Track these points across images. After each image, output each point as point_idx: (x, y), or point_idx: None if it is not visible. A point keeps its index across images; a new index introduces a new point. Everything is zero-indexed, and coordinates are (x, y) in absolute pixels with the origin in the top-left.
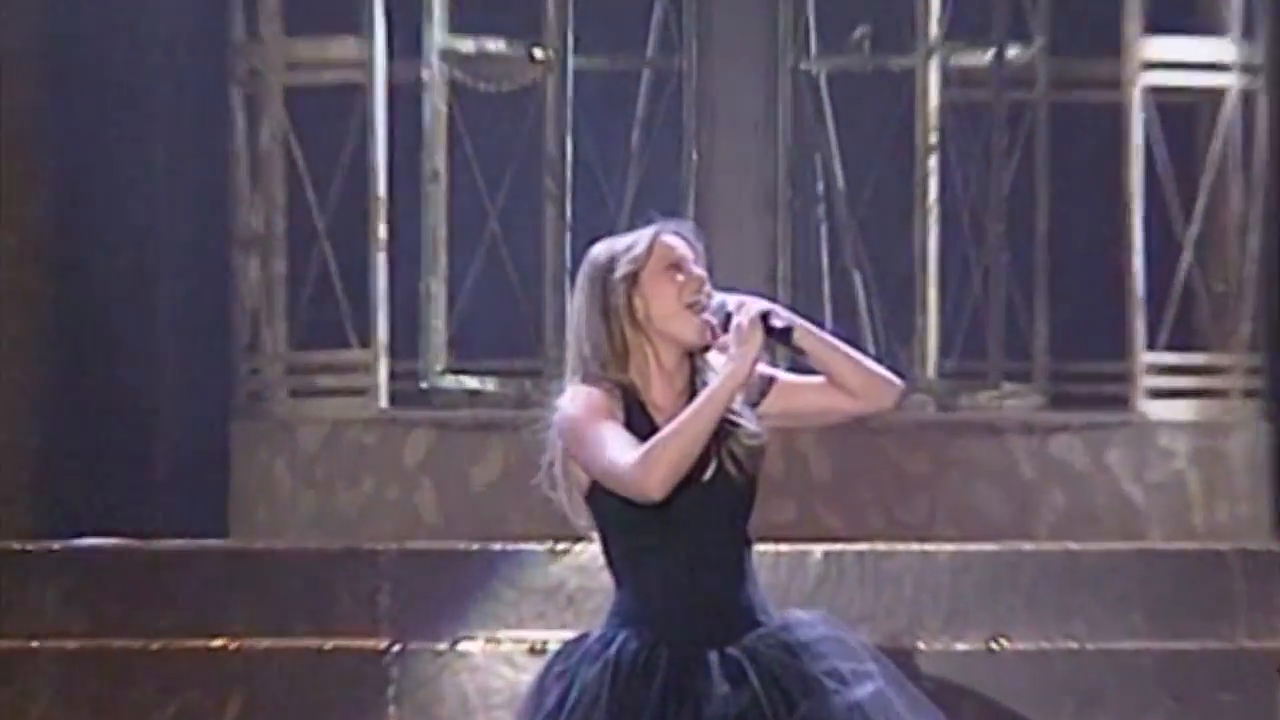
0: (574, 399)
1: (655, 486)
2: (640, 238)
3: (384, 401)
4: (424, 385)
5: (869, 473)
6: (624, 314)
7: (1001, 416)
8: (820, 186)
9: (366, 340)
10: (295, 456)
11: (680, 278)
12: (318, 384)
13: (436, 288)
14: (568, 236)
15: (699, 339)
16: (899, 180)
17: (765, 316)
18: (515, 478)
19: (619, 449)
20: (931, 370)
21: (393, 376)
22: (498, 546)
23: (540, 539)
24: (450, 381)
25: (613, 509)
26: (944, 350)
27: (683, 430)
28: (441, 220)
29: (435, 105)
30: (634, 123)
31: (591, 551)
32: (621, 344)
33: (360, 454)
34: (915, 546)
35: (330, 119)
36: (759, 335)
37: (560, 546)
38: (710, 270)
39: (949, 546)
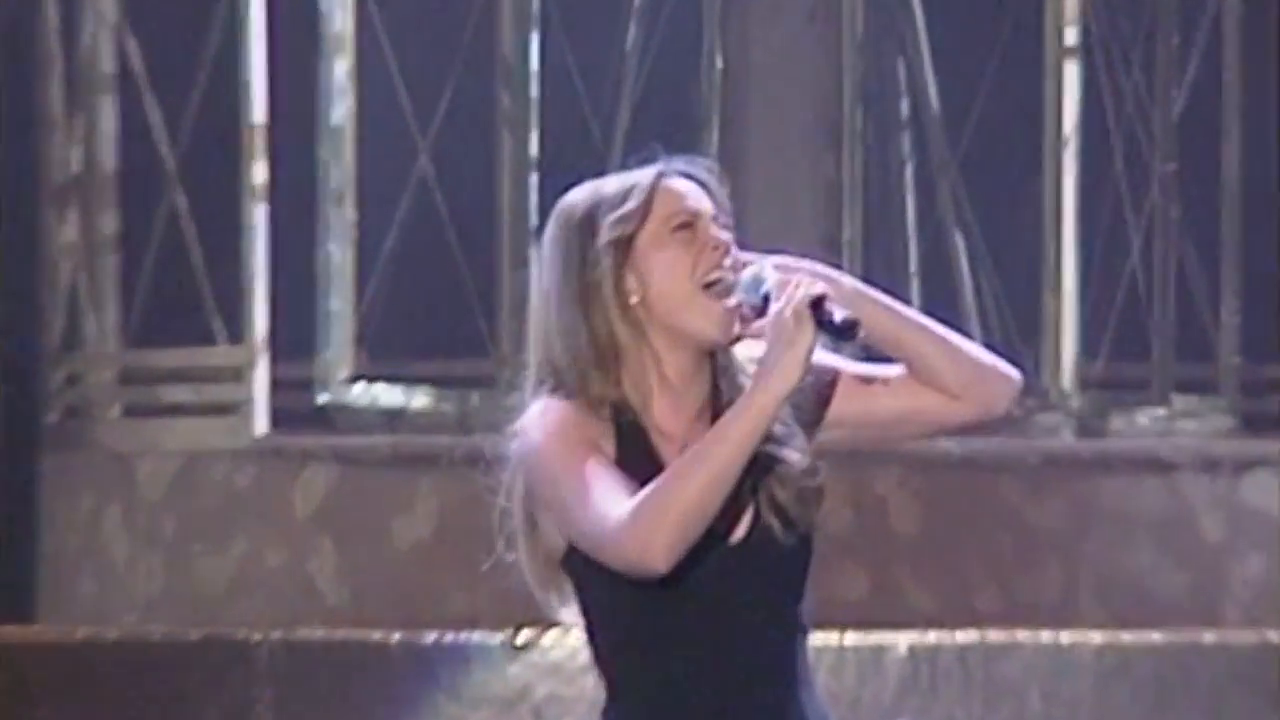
0: (541, 422)
1: (656, 557)
2: (635, 183)
3: (263, 424)
4: (322, 400)
5: (975, 527)
6: (611, 299)
7: (1171, 446)
8: (905, 107)
9: (238, 334)
10: (134, 504)
11: (694, 243)
12: (166, 398)
13: (340, 257)
14: (533, 181)
15: (722, 334)
16: (1020, 98)
17: (818, 303)
18: (455, 536)
19: (605, 500)
20: (1068, 378)
21: (277, 387)
22: (431, 637)
23: (493, 625)
24: (360, 395)
25: (600, 584)
26: (1086, 348)
27: (693, 473)
28: (347, 159)
29: None
30: (630, 11)
31: (568, 644)
32: (608, 342)
33: (229, 501)
34: (1045, 637)
35: (184, 6)
36: (808, 332)
37: (522, 637)
38: (737, 229)
39: (1095, 637)
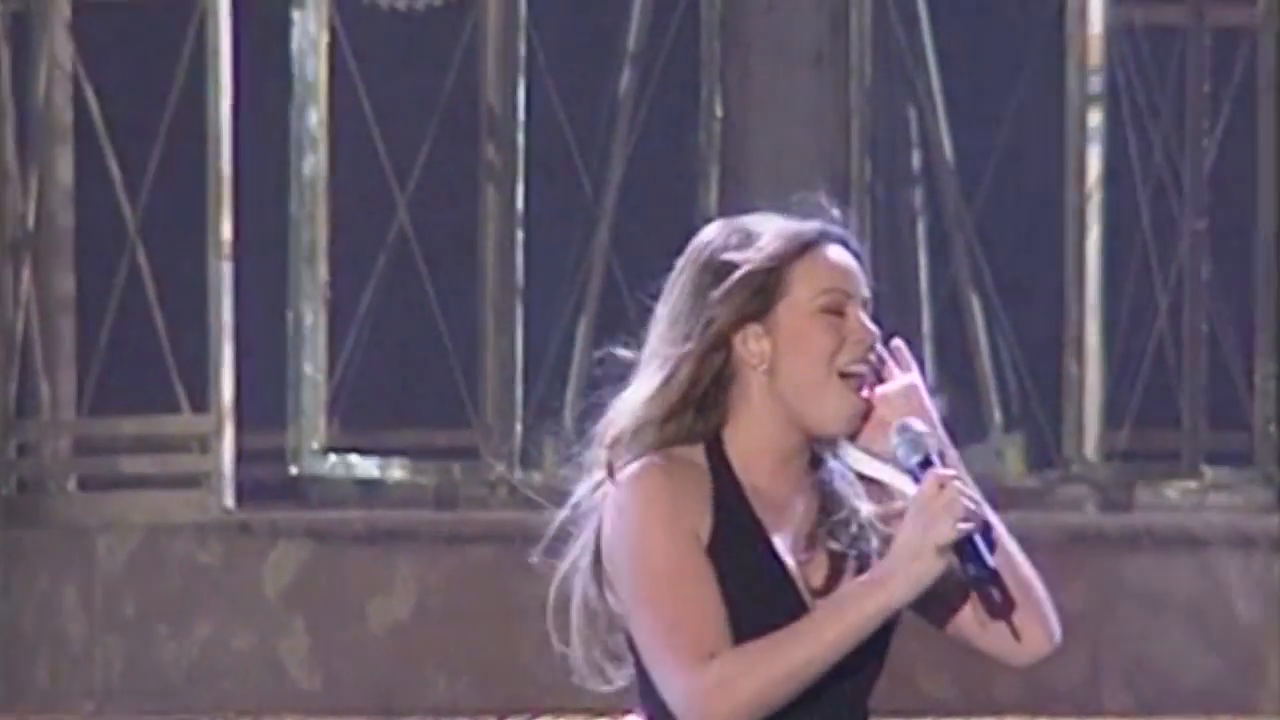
0: (636, 485)
1: None
2: (790, 235)
3: (230, 497)
4: (293, 472)
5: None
6: (726, 357)
7: (1203, 521)
8: (916, 158)
9: (203, 401)
10: (92, 583)
11: (842, 328)
12: (126, 469)
13: (312, 319)
14: (519, 238)
15: (847, 429)
16: (1040, 149)
17: (967, 537)
18: (435, 617)
19: (688, 640)
20: (1091, 448)
21: (244, 458)
22: None
23: (480, 713)
24: (334, 466)
25: None
26: (1111, 417)
27: (778, 664)
28: (321, 212)
29: (311, 30)
30: (623, 56)
31: None
32: (714, 396)
33: (194, 579)
34: None
35: (146, 51)
36: (947, 559)
37: None
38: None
39: None
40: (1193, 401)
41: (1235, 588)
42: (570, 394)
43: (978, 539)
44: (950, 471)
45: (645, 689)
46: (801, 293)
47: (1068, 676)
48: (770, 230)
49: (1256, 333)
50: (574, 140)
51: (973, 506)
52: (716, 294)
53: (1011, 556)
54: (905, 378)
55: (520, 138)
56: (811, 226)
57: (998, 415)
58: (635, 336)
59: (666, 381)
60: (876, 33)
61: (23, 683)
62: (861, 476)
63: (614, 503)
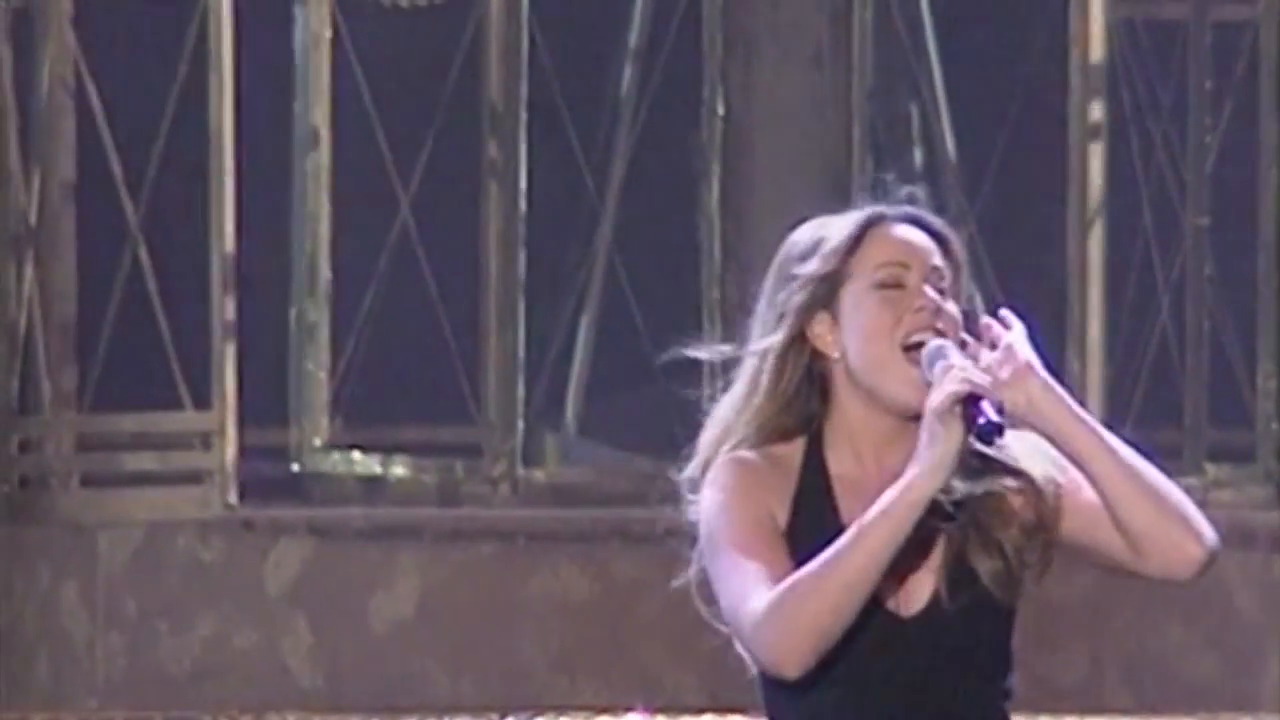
0: (719, 476)
1: (787, 663)
2: (849, 222)
3: (233, 494)
4: (296, 468)
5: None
6: (800, 342)
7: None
8: (918, 156)
9: (206, 398)
10: (94, 580)
11: (901, 301)
12: (128, 466)
13: (315, 315)
14: (521, 235)
15: (920, 401)
16: (1043, 147)
17: (971, 399)
18: (438, 614)
19: (750, 585)
20: None
21: (247, 455)
22: None
23: (483, 711)
24: (337, 463)
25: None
26: (1113, 412)
27: (829, 576)
28: (323, 208)
29: (313, 26)
30: (625, 54)
31: None
32: (805, 392)
33: (196, 577)
34: None
35: (146, 49)
36: (956, 431)
37: None
38: (747, 285)
39: None
40: (1194, 398)
41: (1236, 584)
42: (573, 391)
43: (983, 404)
44: (962, 363)
45: (767, 698)
46: (859, 273)
47: (1068, 673)
48: (835, 223)
49: (1258, 330)
50: (576, 137)
51: (973, 377)
52: (786, 293)
53: (1122, 453)
54: (1005, 340)
55: (522, 135)
56: (869, 211)
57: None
58: (637, 333)
59: (752, 384)
60: (878, 30)
61: (24, 680)
62: (979, 456)
63: (704, 488)
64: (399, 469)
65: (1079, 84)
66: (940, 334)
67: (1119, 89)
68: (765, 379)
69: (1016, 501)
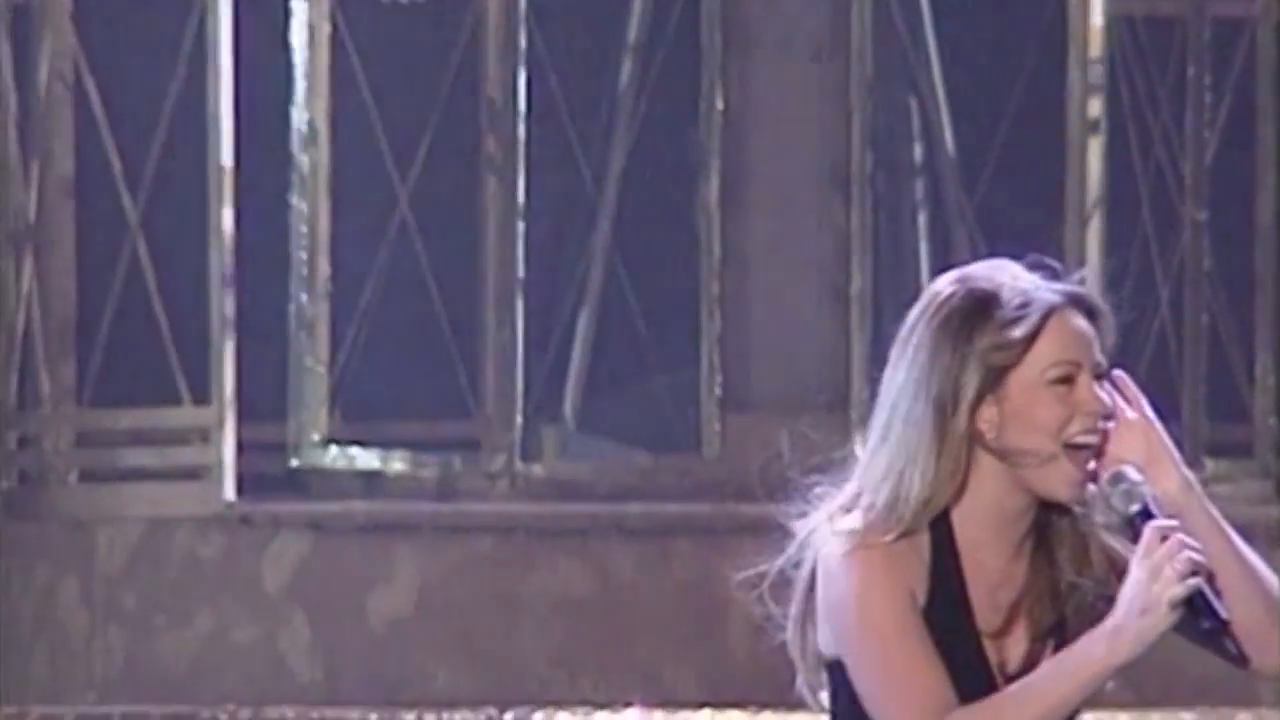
0: (860, 572)
1: None
2: (1030, 303)
3: (231, 489)
4: (294, 464)
5: None
6: (965, 424)
7: None
8: (918, 150)
9: (204, 393)
10: (92, 576)
11: (1070, 399)
12: (127, 462)
13: (313, 311)
14: (520, 229)
15: (1075, 497)
16: (1041, 140)
17: (1197, 591)
18: (437, 609)
19: (920, 686)
20: None
21: (245, 450)
22: (410, 718)
23: (481, 706)
24: (335, 458)
25: (859, 706)
26: None
27: (1019, 713)
28: (322, 204)
29: (312, 22)
30: (624, 47)
31: None
32: (955, 470)
33: (195, 572)
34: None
35: (145, 44)
36: (1173, 617)
37: (510, 717)
38: (741, 281)
39: (1122, 717)
40: (1193, 393)
41: None
42: (571, 385)
43: (1206, 591)
44: (1172, 522)
45: None
46: (1034, 363)
47: None
48: (1010, 296)
49: (1257, 325)
50: (575, 132)
51: (1199, 558)
52: (957, 367)
53: (1254, 564)
54: (1131, 414)
55: (521, 130)
56: (1049, 296)
57: None
58: (636, 327)
59: (914, 453)
60: (878, 25)
61: (23, 675)
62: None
63: (831, 569)
64: (397, 464)
65: (1078, 79)
66: (1104, 433)
67: (1118, 84)
68: (936, 455)
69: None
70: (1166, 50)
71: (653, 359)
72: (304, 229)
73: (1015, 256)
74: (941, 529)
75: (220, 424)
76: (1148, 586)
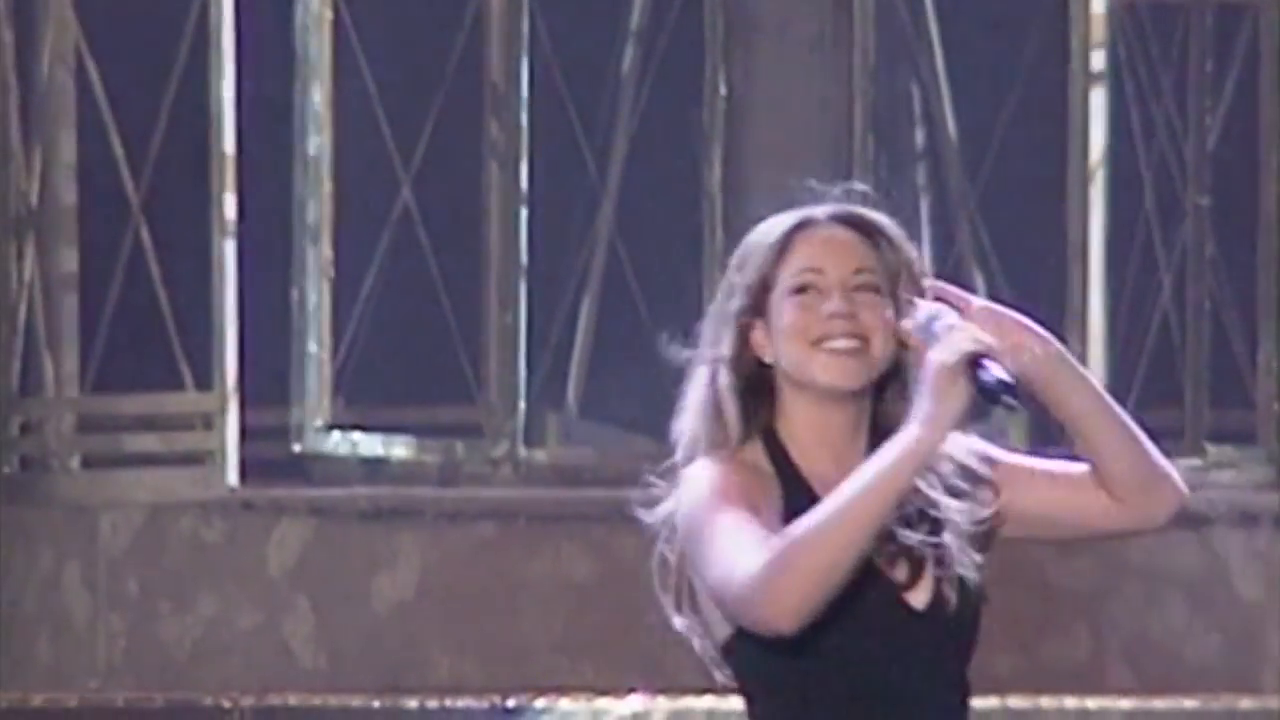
0: (699, 474)
1: (784, 617)
2: (771, 233)
3: (234, 475)
4: (297, 450)
5: (995, 586)
6: (745, 350)
7: (1205, 499)
8: (920, 136)
9: (207, 379)
10: (95, 561)
11: (815, 307)
12: (130, 447)
13: (316, 297)
14: (523, 216)
15: (843, 379)
16: (1044, 127)
17: (977, 360)
18: (440, 595)
19: (738, 551)
20: None
21: (248, 436)
22: (413, 703)
23: (485, 692)
24: (338, 444)
25: (766, 659)
26: (1114, 394)
27: (827, 525)
28: (325, 190)
29: (314, 7)
30: (626, 34)
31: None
32: (758, 395)
33: (198, 557)
34: (1070, 703)
35: (148, 30)
36: (962, 388)
37: (513, 702)
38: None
39: (1124, 704)
40: (1195, 379)
41: (1237, 566)
42: (574, 371)
43: (988, 364)
44: (941, 306)
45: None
46: (782, 279)
47: (1070, 655)
48: (769, 227)
49: (1259, 311)
50: (577, 118)
51: (985, 339)
52: (728, 302)
53: (1114, 410)
54: (977, 302)
55: (524, 115)
56: (797, 215)
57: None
58: (639, 313)
59: (709, 391)
60: (880, 10)
61: (25, 661)
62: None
63: (686, 483)
64: (400, 449)
65: (1080, 65)
66: (855, 345)
67: (1120, 70)
68: (719, 388)
69: (967, 515)
70: (1169, 36)
71: (655, 345)
72: (307, 215)
73: (1017, 242)
74: (780, 457)
75: (223, 409)
76: (937, 368)
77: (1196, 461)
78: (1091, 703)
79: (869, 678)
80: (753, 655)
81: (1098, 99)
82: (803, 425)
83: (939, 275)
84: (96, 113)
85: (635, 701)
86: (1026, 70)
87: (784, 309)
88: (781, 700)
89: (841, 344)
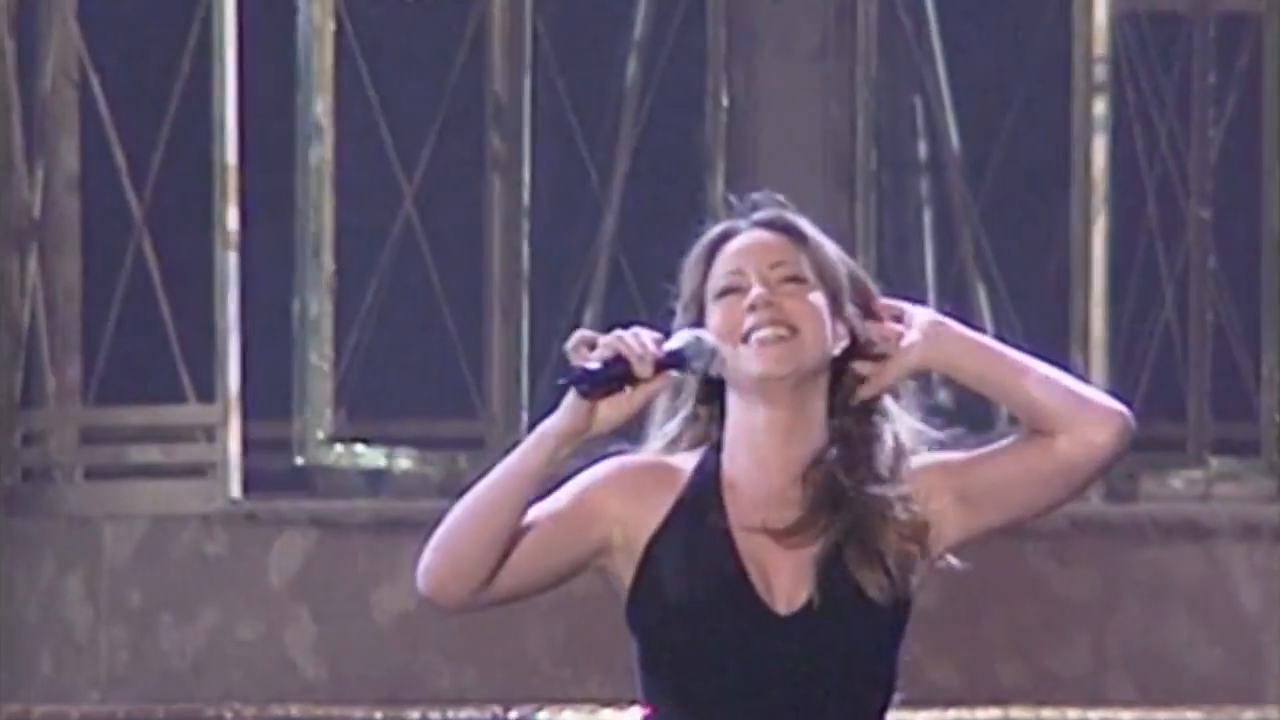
0: (600, 467)
1: (422, 582)
2: (697, 254)
3: (236, 487)
4: (299, 462)
5: (998, 597)
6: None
7: (1208, 511)
8: (922, 148)
9: (209, 391)
10: (97, 572)
11: (739, 304)
12: (132, 459)
13: (318, 309)
14: (525, 228)
15: (765, 366)
16: (1046, 139)
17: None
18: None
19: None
20: None
21: (250, 448)
22: (415, 715)
23: (485, 702)
24: (340, 456)
25: (643, 649)
26: None
27: (458, 506)
28: (327, 202)
29: (317, 18)
30: (628, 46)
31: None
32: (707, 408)
33: (200, 569)
34: (1073, 714)
35: (153, 42)
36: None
37: (515, 714)
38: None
39: (1126, 715)
40: (1198, 392)
41: (1240, 578)
42: None
43: (665, 346)
44: (581, 333)
45: (644, 685)
46: (711, 288)
47: (1071, 666)
48: (689, 256)
49: (1262, 323)
50: (580, 130)
51: (612, 345)
52: (677, 317)
53: (1022, 361)
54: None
55: (526, 128)
56: (717, 229)
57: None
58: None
59: (669, 402)
60: (882, 22)
61: (27, 672)
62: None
63: None
64: (403, 462)
65: (1082, 77)
66: (783, 332)
67: (1122, 82)
68: (677, 398)
69: (898, 508)
70: (1171, 47)
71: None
72: (309, 227)
73: (1019, 253)
74: (710, 461)
75: (225, 421)
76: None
77: (1199, 474)
78: (1094, 714)
79: (724, 686)
80: (637, 666)
81: (1100, 110)
82: (732, 428)
83: (941, 287)
84: (99, 124)
85: (637, 713)
86: (1029, 82)
87: (712, 314)
88: (663, 712)
89: (767, 332)
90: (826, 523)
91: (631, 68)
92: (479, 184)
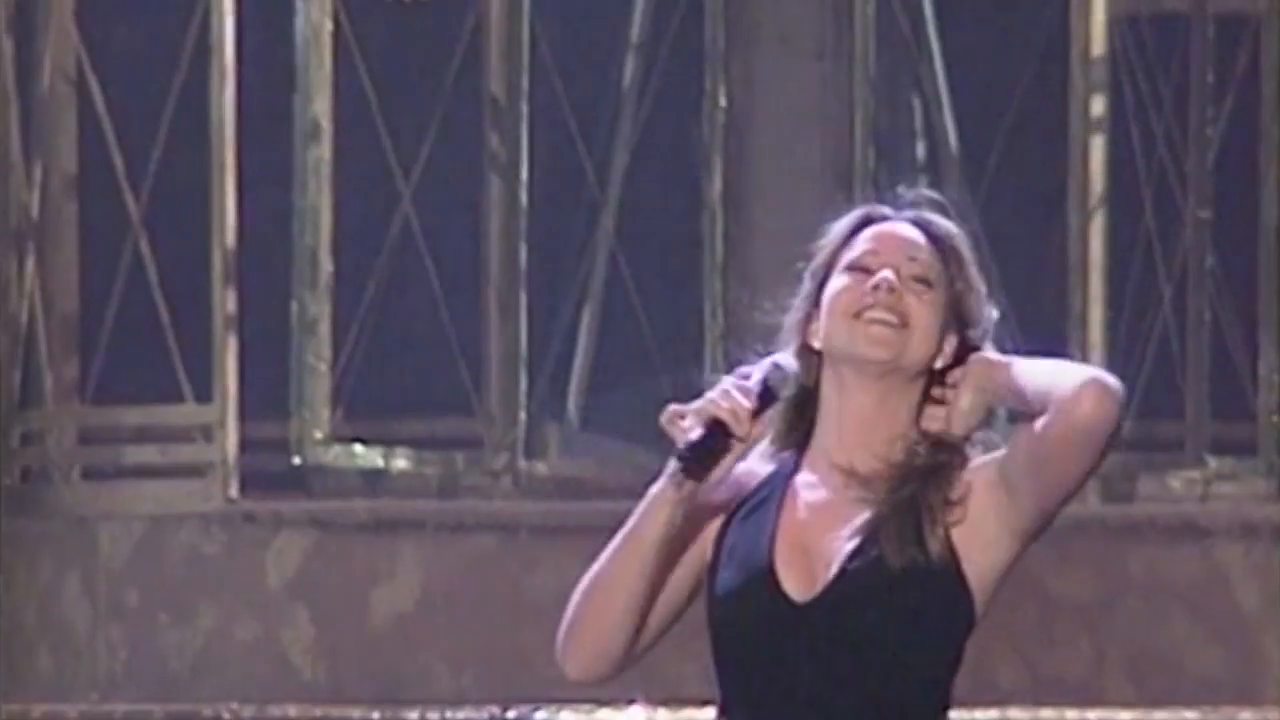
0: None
1: (566, 665)
2: (837, 231)
3: (234, 487)
4: (296, 462)
5: (996, 598)
6: (796, 341)
7: (1206, 511)
8: (920, 148)
9: (207, 391)
10: (95, 572)
11: (861, 280)
12: (130, 459)
13: (315, 310)
14: (523, 228)
15: (872, 349)
16: (1044, 140)
17: (710, 426)
18: (439, 607)
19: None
20: None
21: (248, 448)
22: (413, 715)
23: (483, 702)
24: (338, 456)
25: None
26: None
27: (585, 583)
28: (324, 201)
29: (315, 19)
30: (626, 47)
31: None
32: (813, 374)
33: (197, 569)
34: (1071, 715)
35: (149, 41)
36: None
37: (513, 714)
38: (745, 275)
39: (1125, 716)
40: (1196, 391)
41: (1238, 578)
42: (574, 383)
43: (686, 439)
44: (672, 408)
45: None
46: (841, 261)
47: (1071, 666)
48: (833, 227)
49: (1260, 323)
50: (577, 130)
51: (717, 408)
52: (803, 288)
53: (1041, 367)
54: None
55: (524, 128)
56: (860, 211)
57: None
58: (639, 325)
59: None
60: (881, 22)
61: (25, 672)
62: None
63: None
64: (400, 461)
65: (1080, 77)
66: (894, 320)
67: (1120, 82)
68: (802, 371)
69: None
70: (1169, 48)
71: (656, 357)
72: (306, 226)
73: (1017, 254)
74: (789, 465)
75: (223, 421)
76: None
77: (1197, 474)
78: (1092, 715)
79: (752, 678)
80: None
81: (1098, 110)
82: (831, 410)
83: None
84: (97, 124)
85: (636, 713)
86: (1027, 82)
87: (834, 282)
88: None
89: (880, 314)
90: (874, 503)
91: (629, 67)
92: (477, 184)
